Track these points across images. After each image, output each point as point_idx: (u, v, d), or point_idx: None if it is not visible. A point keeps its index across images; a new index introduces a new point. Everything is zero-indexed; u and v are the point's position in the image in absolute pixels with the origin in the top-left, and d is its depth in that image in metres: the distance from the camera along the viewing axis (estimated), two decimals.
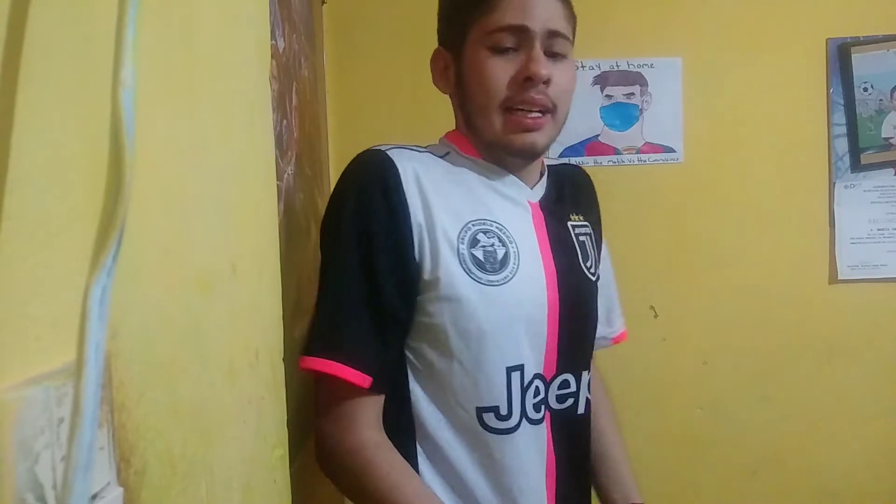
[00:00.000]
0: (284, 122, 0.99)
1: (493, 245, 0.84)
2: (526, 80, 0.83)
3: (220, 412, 0.53)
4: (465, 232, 0.84)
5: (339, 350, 0.80)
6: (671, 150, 1.69)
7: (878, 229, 1.70)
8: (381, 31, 1.64)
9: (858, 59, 1.66)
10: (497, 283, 0.83)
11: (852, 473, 1.72)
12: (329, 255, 0.85)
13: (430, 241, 0.82)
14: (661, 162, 1.69)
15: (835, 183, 1.70)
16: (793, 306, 1.71)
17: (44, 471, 0.31)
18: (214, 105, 0.55)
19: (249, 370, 0.61)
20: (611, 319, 1.08)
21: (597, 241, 1.03)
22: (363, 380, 0.80)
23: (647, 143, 1.69)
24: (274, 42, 0.89)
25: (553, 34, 0.85)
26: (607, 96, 1.69)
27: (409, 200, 0.82)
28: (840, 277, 1.70)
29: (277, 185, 0.81)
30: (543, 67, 0.83)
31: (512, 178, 0.91)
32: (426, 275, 0.82)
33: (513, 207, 0.90)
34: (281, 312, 0.75)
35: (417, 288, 0.83)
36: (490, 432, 0.84)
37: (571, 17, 0.90)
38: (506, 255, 0.85)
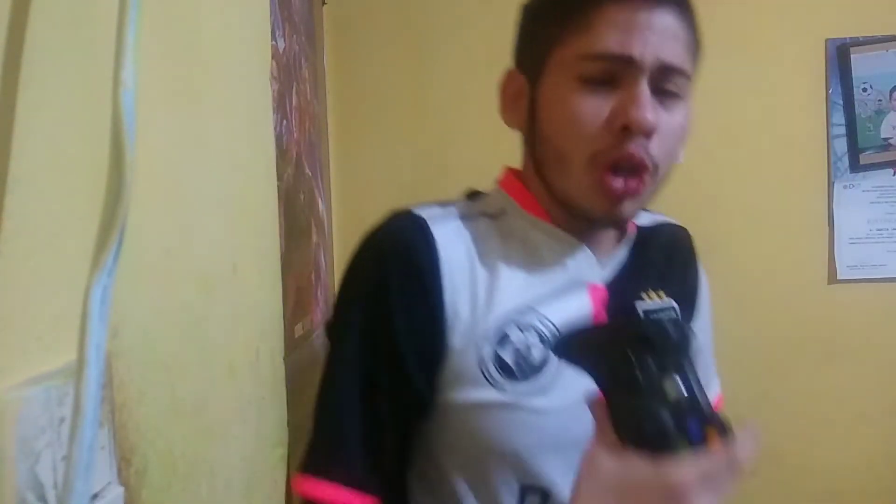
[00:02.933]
0: (284, 122, 0.99)
1: (527, 344, 0.64)
2: (623, 128, 0.61)
3: (220, 412, 0.53)
4: (497, 328, 0.64)
5: (332, 465, 0.62)
6: None
7: (878, 229, 1.70)
8: (381, 31, 1.64)
9: (857, 59, 1.66)
10: (525, 395, 0.63)
11: (852, 473, 1.72)
12: (334, 330, 0.66)
13: (458, 339, 0.64)
14: None
15: (834, 183, 1.70)
16: (792, 306, 1.71)
17: (45, 470, 0.31)
18: (215, 105, 0.55)
19: (250, 370, 0.61)
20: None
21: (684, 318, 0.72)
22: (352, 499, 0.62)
23: None
24: (274, 42, 0.90)
25: (667, 69, 0.63)
26: None
27: (442, 287, 0.63)
28: (839, 277, 1.70)
29: (277, 185, 0.81)
30: (650, 112, 0.61)
31: (583, 251, 0.69)
32: (441, 380, 0.64)
33: (570, 291, 0.68)
34: (281, 312, 0.75)
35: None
36: None
37: (694, 46, 0.66)
38: (545, 356, 0.64)
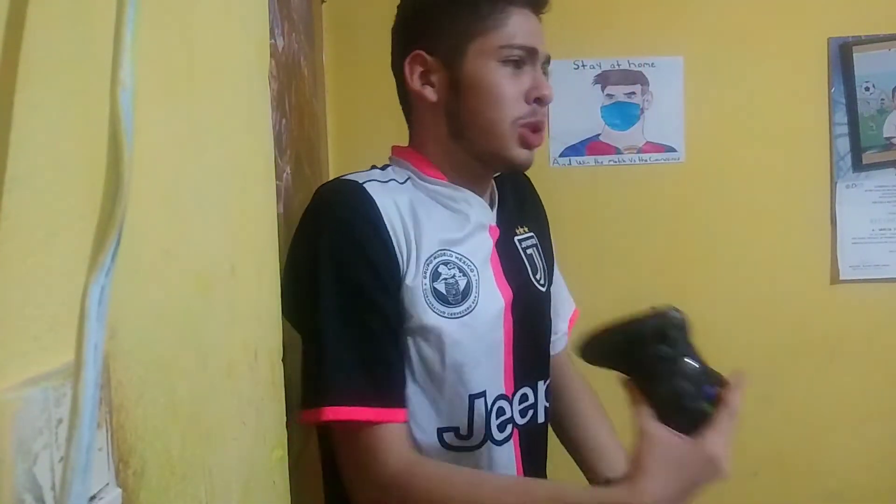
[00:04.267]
0: (284, 121, 0.99)
1: (454, 276, 0.84)
2: (537, 100, 0.86)
3: (219, 413, 0.53)
4: (427, 266, 0.83)
5: (374, 393, 0.79)
6: (672, 150, 1.69)
7: (880, 229, 1.70)
8: (381, 30, 1.64)
9: (860, 58, 1.66)
10: (459, 315, 0.84)
11: (854, 474, 1.71)
12: (319, 293, 0.80)
13: (406, 277, 0.82)
14: (662, 161, 1.69)
15: (836, 182, 1.70)
16: (794, 306, 1.70)
17: (42, 472, 0.31)
18: (213, 105, 0.55)
19: (249, 371, 0.60)
20: (562, 313, 1.08)
21: (544, 248, 1.02)
22: (379, 414, 0.79)
23: (648, 143, 1.69)
24: (273, 41, 0.89)
25: (547, 59, 0.90)
26: (608, 95, 1.68)
27: (392, 237, 0.81)
28: (841, 277, 1.70)
29: (277, 184, 0.81)
30: (549, 89, 0.87)
31: (478, 200, 0.90)
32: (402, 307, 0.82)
33: (476, 233, 0.89)
34: (280, 312, 0.75)
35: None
36: (450, 450, 0.85)
37: None
38: (467, 285, 0.85)
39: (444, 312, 0.83)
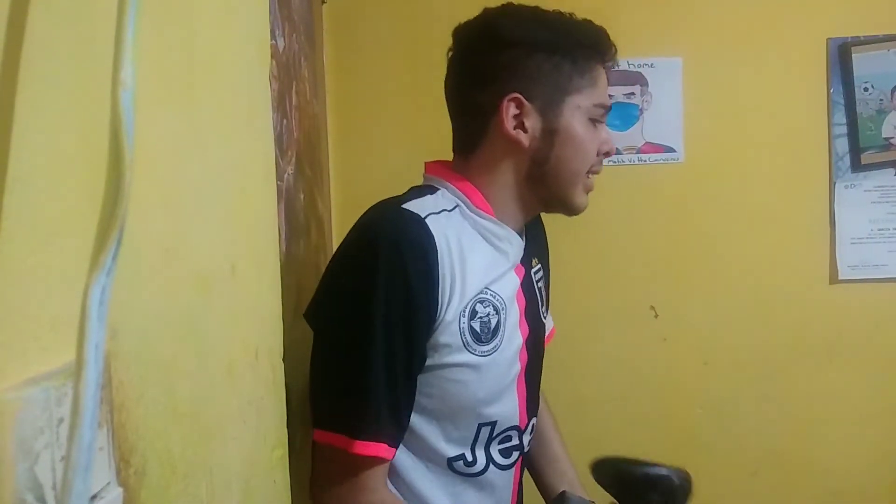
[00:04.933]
0: (284, 121, 0.99)
1: (488, 315, 0.86)
2: (605, 154, 0.93)
3: (219, 412, 0.53)
4: (468, 305, 0.84)
5: (385, 432, 0.81)
6: (671, 150, 1.69)
7: (879, 229, 1.70)
8: (381, 31, 1.64)
9: (859, 58, 1.66)
10: (487, 353, 0.86)
11: (853, 474, 1.71)
12: (367, 332, 0.80)
13: (445, 316, 0.83)
14: (661, 162, 1.69)
15: (835, 183, 1.70)
16: (793, 306, 1.70)
17: (43, 471, 0.31)
18: (214, 105, 0.55)
19: (249, 370, 0.61)
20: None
21: (546, 279, 1.06)
22: (390, 453, 0.82)
23: (647, 143, 1.69)
24: (274, 42, 0.89)
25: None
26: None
27: (440, 280, 0.81)
28: (840, 277, 1.70)
29: (277, 185, 0.81)
30: (613, 146, 0.95)
31: (517, 239, 0.92)
32: (429, 347, 0.84)
33: (509, 271, 0.91)
34: (281, 312, 0.75)
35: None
36: (459, 475, 0.89)
37: None
38: (497, 323, 0.87)
39: (475, 350, 0.85)
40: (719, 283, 1.71)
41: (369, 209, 0.90)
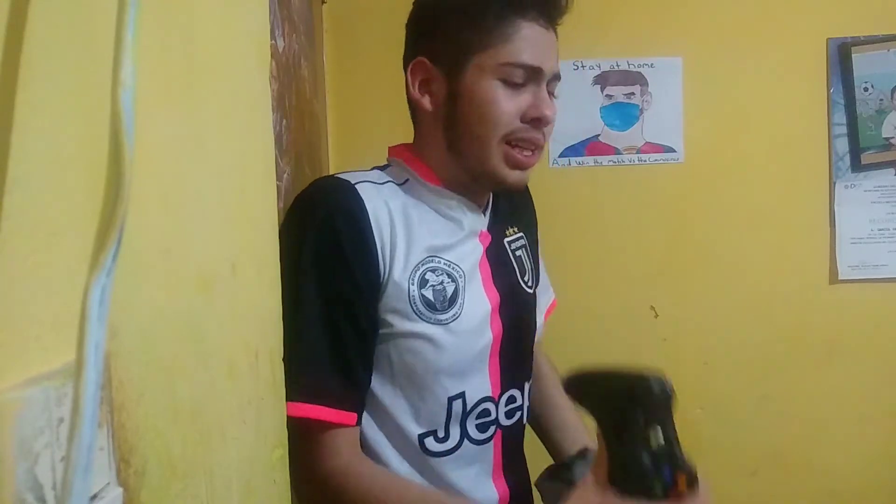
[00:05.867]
0: (284, 122, 0.99)
1: (441, 283, 0.85)
2: (534, 119, 0.84)
3: (219, 412, 0.53)
4: (415, 273, 0.83)
5: (326, 393, 0.80)
6: (671, 150, 1.69)
7: (879, 229, 1.70)
8: (381, 31, 1.64)
9: (859, 58, 1.66)
10: (445, 322, 0.84)
11: (853, 473, 1.72)
12: (299, 295, 0.80)
13: (389, 282, 0.83)
14: (661, 162, 1.69)
15: (835, 183, 1.70)
16: (793, 306, 1.71)
17: (43, 471, 0.31)
18: (214, 105, 0.55)
19: (249, 370, 0.60)
20: (541, 304, 1.08)
21: (532, 250, 1.03)
22: (345, 417, 0.81)
23: (647, 143, 1.69)
24: (274, 42, 0.89)
25: (556, 77, 0.87)
26: (607, 96, 1.69)
27: (377, 242, 0.81)
28: (840, 277, 1.70)
29: (277, 185, 0.81)
30: (551, 110, 0.85)
31: (473, 208, 0.91)
32: (381, 313, 0.83)
33: (467, 240, 0.90)
34: (281, 312, 0.75)
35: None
36: (431, 456, 0.87)
37: None
38: (455, 291, 0.85)
39: (430, 319, 0.83)
40: (719, 283, 1.71)
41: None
